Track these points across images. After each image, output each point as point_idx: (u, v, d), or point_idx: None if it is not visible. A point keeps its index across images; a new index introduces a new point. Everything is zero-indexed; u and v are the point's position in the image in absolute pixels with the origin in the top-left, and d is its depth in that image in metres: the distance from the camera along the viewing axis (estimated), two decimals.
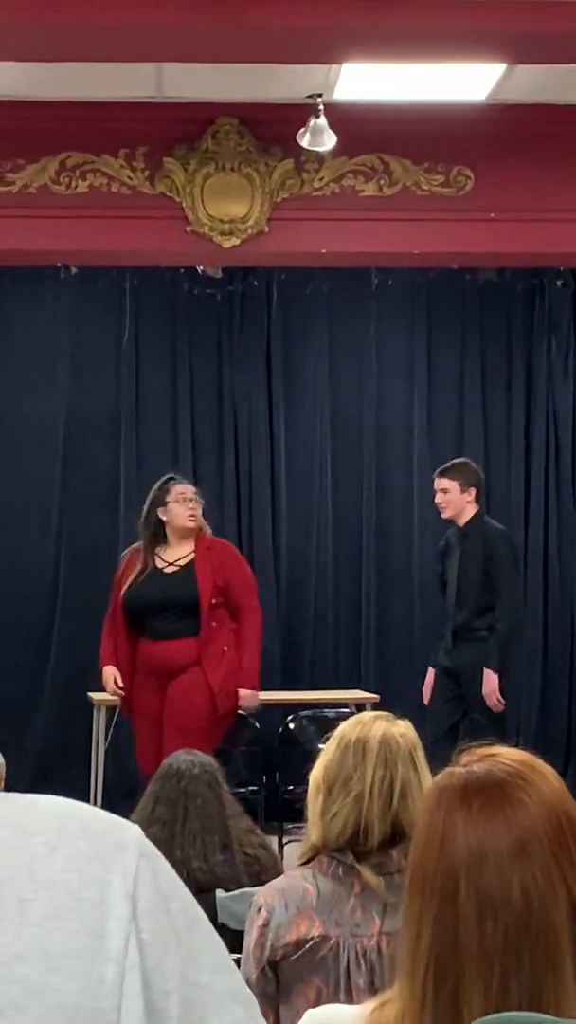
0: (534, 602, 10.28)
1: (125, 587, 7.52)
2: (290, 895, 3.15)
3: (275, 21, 6.09)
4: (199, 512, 7.63)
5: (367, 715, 3.27)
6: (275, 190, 8.36)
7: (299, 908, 3.13)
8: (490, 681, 8.20)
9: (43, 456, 10.08)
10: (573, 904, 1.70)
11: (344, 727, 3.22)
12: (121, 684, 7.51)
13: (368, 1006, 1.82)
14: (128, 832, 1.14)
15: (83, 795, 7.76)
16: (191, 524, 7.60)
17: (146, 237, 8.41)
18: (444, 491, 8.41)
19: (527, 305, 10.36)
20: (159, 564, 7.58)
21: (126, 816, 1.17)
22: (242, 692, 7.53)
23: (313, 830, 3.16)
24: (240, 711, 7.77)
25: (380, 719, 3.23)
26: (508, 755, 1.81)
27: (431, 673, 8.54)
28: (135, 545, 7.72)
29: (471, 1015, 1.64)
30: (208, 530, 7.71)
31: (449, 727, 8.22)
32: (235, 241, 8.38)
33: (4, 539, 9.95)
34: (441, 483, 8.45)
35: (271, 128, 8.26)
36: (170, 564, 7.59)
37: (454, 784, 1.77)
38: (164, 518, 7.58)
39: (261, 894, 3.23)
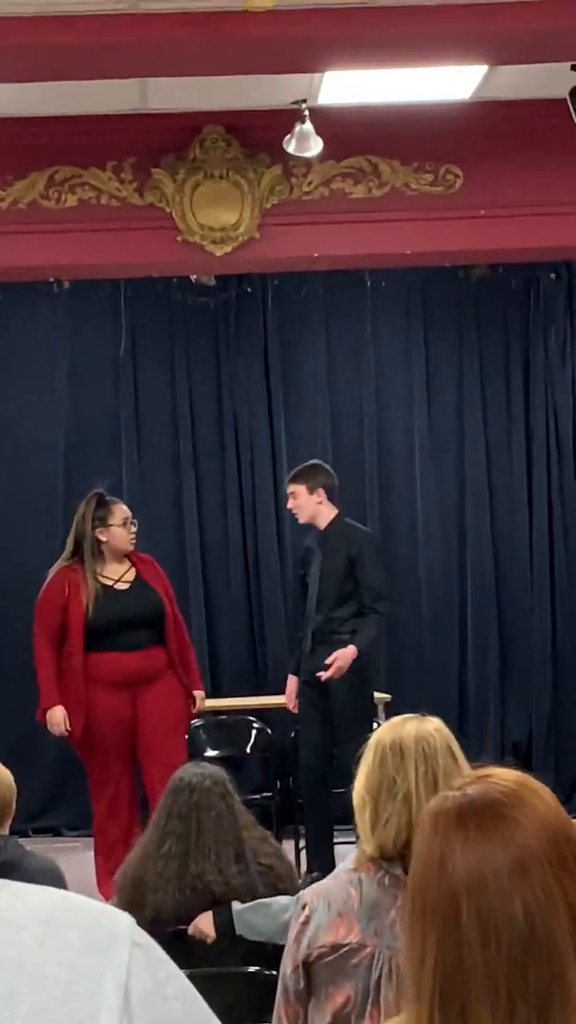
0: (540, 594, 10.28)
1: (89, 607, 7.59)
2: (334, 896, 3.15)
3: (255, 33, 6.09)
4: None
5: (397, 719, 3.27)
6: (264, 196, 8.35)
7: (340, 911, 3.13)
8: (346, 653, 7.94)
9: (45, 468, 10.10)
10: (575, 920, 1.72)
11: (377, 734, 3.22)
12: (69, 727, 7.59)
13: None
14: (119, 922, 1.13)
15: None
16: (131, 548, 7.73)
17: (138, 248, 8.41)
18: (293, 495, 8.26)
19: (522, 299, 10.37)
20: (105, 582, 7.70)
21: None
22: (200, 694, 7.89)
23: (367, 844, 3.15)
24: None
25: (410, 720, 3.24)
26: (502, 775, 1.82)
27: (293, 680, 8.36)
28: (62, 564, 7.79)
29: None
30: None
31: (322, 737, 8.09)
32: (227, 249, 8.37)
33: (9, 551, 9.96)
34: (289, 488, 8.33)
35: (257, 135, 8.25)
36: (117, 581, 7.75)
37: (449, 808, 1.78)
38: (103, 539, 7.72)
39: (308, 892, 3.24)
